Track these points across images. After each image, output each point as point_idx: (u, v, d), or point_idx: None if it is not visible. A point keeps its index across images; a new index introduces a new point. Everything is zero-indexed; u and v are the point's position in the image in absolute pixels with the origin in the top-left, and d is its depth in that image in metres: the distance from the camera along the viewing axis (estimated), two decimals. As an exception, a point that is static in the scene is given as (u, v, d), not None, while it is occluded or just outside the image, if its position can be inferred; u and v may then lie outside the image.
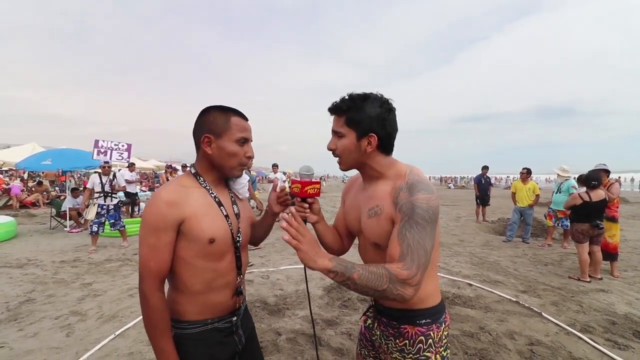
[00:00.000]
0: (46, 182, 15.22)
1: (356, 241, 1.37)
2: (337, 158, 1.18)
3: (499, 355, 2.70)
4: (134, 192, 10.22)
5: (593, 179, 4.67)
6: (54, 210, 8.64)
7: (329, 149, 1.18)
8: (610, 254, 4.95)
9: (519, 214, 7.32)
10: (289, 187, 1.27)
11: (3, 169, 19.55)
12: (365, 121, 1.09)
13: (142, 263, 1.06)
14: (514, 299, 3.85)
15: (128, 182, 10.07)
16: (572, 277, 4.73)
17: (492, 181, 11.92)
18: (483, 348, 2.79)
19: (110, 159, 8.01)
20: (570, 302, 3.85)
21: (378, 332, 1.25)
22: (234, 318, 1.21)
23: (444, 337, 1.17)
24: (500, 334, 3.02)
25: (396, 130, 1.15)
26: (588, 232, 4.62)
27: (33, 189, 13.77)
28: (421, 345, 1.13)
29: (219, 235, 1.12)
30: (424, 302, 1.15)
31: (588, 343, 2.90)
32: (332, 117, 1.17)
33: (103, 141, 8.11)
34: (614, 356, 2.69)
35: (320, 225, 1.31)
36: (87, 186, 6.35)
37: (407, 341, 1.14)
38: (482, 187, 9.98)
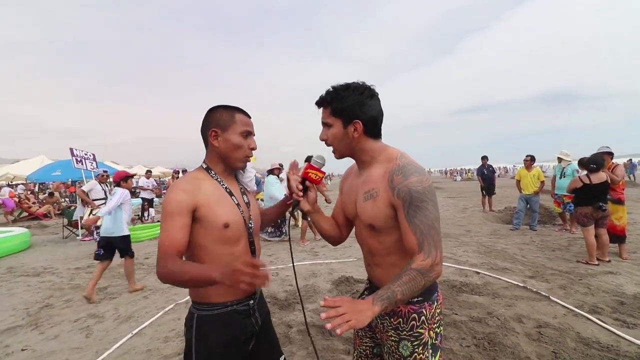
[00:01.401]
0: (56, 194, 15.49)
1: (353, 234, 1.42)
2: (331, 147, 1.25)
3: (507, 339, 2.74)
4: (150, 197, 10.50)
5: (592, 162, 4.68)
6: (65, 220, 8.82)
7: (321, 140, 1.26)
8: (618, 236, 4.94)
9: (525, 202, 7.32)
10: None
11: (14, 182, 19.94)
12: (348, 109, 1.16)
13: (159, 248, 1.10)
14: (522, 285, 3.88)
15: (142, 188, 10.33)
16: (580, 260, 4.74)
17: (496, 170, 11.91)
18: (491, 332, 2.84)
19: (86, 167, 8.21)
20: (578, 285, 3.86)
21: None
22: (251, 302, 1.30)
23: (436, 314, 1.21)
24: (508, 318, 3.06)
25: (381, 114, 1.21)
26: (592, 214, 4.62)
27: (44, 200, 14.03)
28: (414, 322, 1.17)
29: (232, 221, 1.21)
30: None
31: (596, 323, 2.93)
32: (320, 110, 1.24)
33: (76, 150, 8.25)
34: (622, 334, 2.71)
35: (314, 216, 1.37)
36: (84, 189, 6.38)
37: (400, 319, 1.19)
38: (486, 177, 9.97)
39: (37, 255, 6.65)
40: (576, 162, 6.60)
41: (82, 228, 8.29)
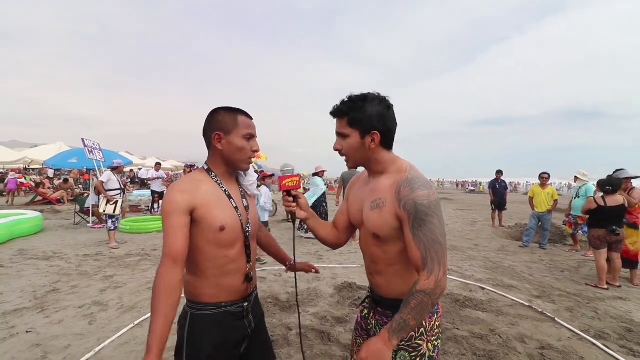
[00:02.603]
0: (71, 180, 15.84)
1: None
2: (344, 157, 1.26)
3: (508, 358, 2.69)
4: (160, 190, 10.67)
5: (607, 184, 4.58)
6: (77, 206, 9.01)
7: (335, 150, 1.27)
8: (631, 262, 4.81)
9: (537, 220, 7.17)
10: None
11: (31, 167, 20.46)
12: (367, 120, 1.17)
13: (163, 247, 1.15)
14: (527, 304, 3.81)
15: (149, 179, 10.52)
16: (589, 284, 4.63)
17: (509, 186, 11.74)
18: (492, 350, 2.79)
19: (96, 158, 8.37)
20: (585, 308, 3.78)
21: (373, 322, 1.32)
22: (245, 303, 1.30)
23: (435, 327, 1.22)
24: (510, 337, 3.01)
25: (396, 125, 1.22)
26: (605, 238, 4.52)
27: (59, 186, 14.35)
28: (413, 333, 1.17)
29: (229, 223, 1.22)
30: None
31: (601, 349, 2.86)
32: (334, 120, 1.25)
33: (87, 140, 8.40)
34: (628, 363, 2.65)
35: (311, 221, 1.39)
36: (102, 179, 6.53)
37: None
38: (498, 192, 9.82)
39: (48, 239, 6.80)
40: (592, 182, 6.47)
41: (93, 215, 8.45)
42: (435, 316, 1.22)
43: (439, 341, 1.24)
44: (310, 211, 1.40)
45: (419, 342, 1.18)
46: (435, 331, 1.22)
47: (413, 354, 1.17)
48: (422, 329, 1.18)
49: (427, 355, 1.19)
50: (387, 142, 1.22)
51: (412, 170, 1.17)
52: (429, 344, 1.19)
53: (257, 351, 1.36)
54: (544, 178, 7.21)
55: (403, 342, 1.18)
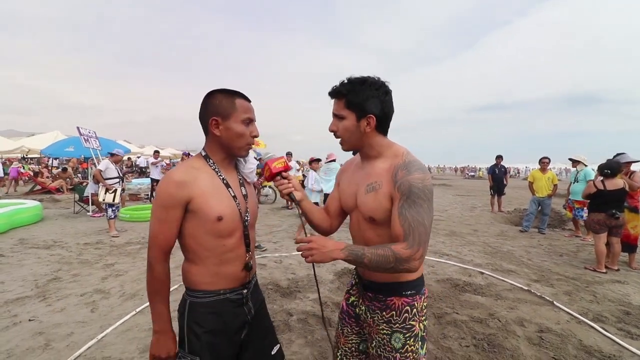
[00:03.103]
0: (70, 169, 15.79)
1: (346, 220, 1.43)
2: (339, 139, 1.26)
3: (507, 341, 2.72)
4: (159, 178, 10.67)
5: (607, 167, 4.55)
6: (77, 195, 8.99)
7: (330, 131, 1.26)
8: (630, 245, 4.83)
9: (537, 204, 7.18)
10: (261, 177, 1.37)
11: (29, 156, 20.35)
12: (364, 103, 1.17)
13: (151, 235, 1.17)
14: (526, 288, 3.84)
15: (154, 163, 10.55)
16: (587, 267, 4.66)
17: (509, 171, 11.73)
18: (491, 333, 2.82)
19: (92, 146, 8.31)
20: (584, 292, 3.81)
21: (364, 307, 1.32)
22: (245, 290, 1.29)
23: (424, 307, 1.27)
24: (509, 321, 3.04)
25: (393, 111, 1.23)
26: (605, 222, 4.52)
27: (57, 175, 14.30)
28: (407, 314, 1.21)
29: (226, 214, 1.19)
30: (409, 274, 1.22)
31: (599, 332, 2.89)
32: (332, 101, 1.24)
33: (82, 128, 8.32)
34: (626, 345, 2.67)
35: (305, 203, 1.37)
36: (100, 167, 6.51)
37: (393, 312, 1.22)
38: (497, 177, 9.81)
39: (48, 228, 6.81)
40: (590, 167, 6.45)
41: (92, 204, 8.44)
42: (423, 297, 1.27)
43: (427, 322, 1.29)
44: (304, 192, 1.39)
45: (412, 322, 1.22)
46: (424, 311, 1.27)
47: (407, 335, 1.21)
48: (415, 310, 1.22)
49: (419, 335, 1.23)
50: (383, 127, 1.22)
51: (409, 155, 1.19)
52: (420, 324, 1.24)
53: (258, 337, 1.35)
54: (544, 163, 7.19)
55: (398, 324, 1.21)
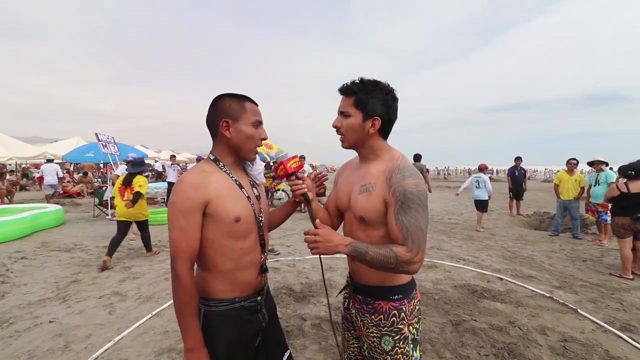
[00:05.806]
0: (90, 174, 16.26)
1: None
2: (340, 136, 1.26)
3: (529, 350, 2.62)
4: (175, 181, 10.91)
5: (631, 168, 4.36)
6: (97, 199, 9.23)
7: (334, 126, 1.26)
8: (658, 250, 4.62)
9: (563, 208, 6.92)
10: (274, 175, 1.35)
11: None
12: (373, 104, 1.18)
13: (173, 245, 1.11)
14: (548, 295, 3.71)
15: (172, 164, 10.83)
16: (613, 273, 4.47)
17: (528, 174, 11.44)
18: (512, 342, 2.73)
19: (111, 152, 8.50)
20: (609, 299, 3.65)
21: (354, 310, 1.33)
22: (259, 297, 1.28)
23: (415, 311, 1.26)
24: (531, 329, 2.93)
25: (396, 118, 1.25)
26: (629, 226, 4.33)
27: (79, 180, 14.74)
28: (394, 318, 1.22)
29: (243, 214, 1.18)
30: (397, 279, 1.24)
31: (627, 342, 2.76)
32: (340, 98, 1.25)
33: (101, 134, 8.51)
34: (657, 356, 2.54)
35: (315, 204, 1.38)
36: (117, 172, 6.74)
37: (381, 316, 1.23)
38: (516, 180, 9.55)
39: (69, 231, 7.00)
40: (610, 169, 6.22)
41: (111, 208, 8.64)
42: (414, 301, 1.27)
43: (420, 324, 1.29)
44: (314, 192, 1.40)
45: (400, 326, 1.22)
46: (415, 314, 1.26)
47: (396, 338, 1.22)
48: (403, 314, 1.22)
49: (409, 338, 1.23)
50: (385, 131, 1.25)
51: (405, 160, 1.21)
52: (410, 327, 1.24)
53: (271, 344, 1.34)
54: (571, 164, 6.89)
55: (386, 328, 1.22)
